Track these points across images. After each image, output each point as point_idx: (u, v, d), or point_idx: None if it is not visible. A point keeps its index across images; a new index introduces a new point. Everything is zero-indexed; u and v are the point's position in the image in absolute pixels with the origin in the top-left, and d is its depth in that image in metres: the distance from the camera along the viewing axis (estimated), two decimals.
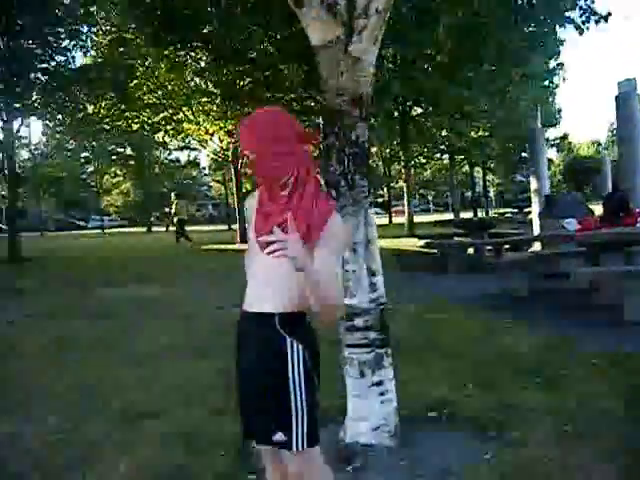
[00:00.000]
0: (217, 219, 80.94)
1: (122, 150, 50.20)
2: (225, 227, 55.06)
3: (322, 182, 2.88)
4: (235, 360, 2.86)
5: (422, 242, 16.98)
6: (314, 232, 2.56)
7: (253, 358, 2.71)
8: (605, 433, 4.32)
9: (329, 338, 7.02)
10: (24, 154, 34.87)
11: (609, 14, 7.71)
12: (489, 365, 6.10)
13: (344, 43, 4.17)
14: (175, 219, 28.31)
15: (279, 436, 2.67)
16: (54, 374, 6.74)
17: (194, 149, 53.03)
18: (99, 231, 58.97)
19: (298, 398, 2.64)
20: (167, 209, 34.38)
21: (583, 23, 7.78)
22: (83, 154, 44.54)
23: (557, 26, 14.87)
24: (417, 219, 31.82)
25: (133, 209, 70.12)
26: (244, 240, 28.51)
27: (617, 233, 9.51)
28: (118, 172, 63.06)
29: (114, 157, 51.15)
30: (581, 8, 7.71)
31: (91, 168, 59.43)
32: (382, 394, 4.34)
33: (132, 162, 55.50)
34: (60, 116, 25.29)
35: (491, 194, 66.80)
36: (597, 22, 7.66)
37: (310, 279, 2.43)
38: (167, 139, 35.86)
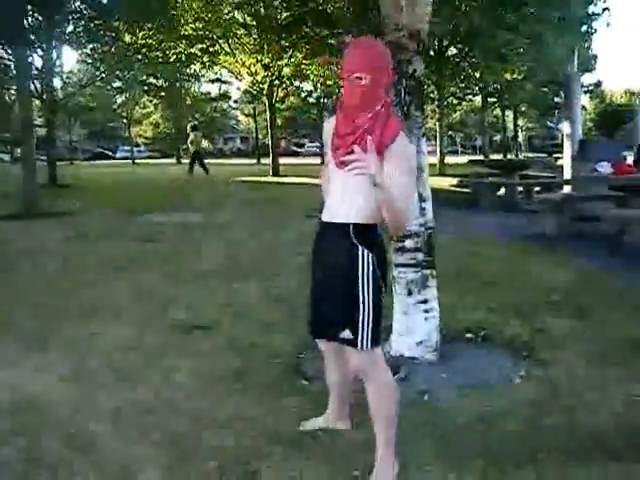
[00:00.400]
0: (244, 153, 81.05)
1: (154, 81, 50.11)
2: (254, 161, 55.15)
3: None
4: (312, 263, 3.21)
5: (455, 181, 17.21)
6: (383, 147, 2.86)
7: (329, 262, 3.05)
8: (630, 357, 4.65)
9: None
10: (58, 82, 34.98)
11: None
12: (522, 294, 6.43)
13: None
14: (191, 150, 28.57)
15: (347, 333, 3.01)
16: (111, 288, 7.18)
17: (225, 82, 53.01)
18: (128, 161, 59.31)
19: (366, 300, 2.97)
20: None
21: None
22: (115, 84, 44.40)
23: None
24: (447, 160, 31.90)
25: (162, 141, 70.30)
26: (276, 173, 28.80)
27: None
28: (148, 103, 63.24)
29: (146, 88, 51.08)
30: None
31: (121, 98, 59.49)
32: (426, 311, 4.68)
33: (163, 93, 55.43)
34: (98, 45, 25.38)
35: (520, 139, 66.21)
36: None
37: (385, 194, 2.75)
38: (202, 71, 35.92)
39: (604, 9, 23.93)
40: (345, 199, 2.97)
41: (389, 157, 2.86)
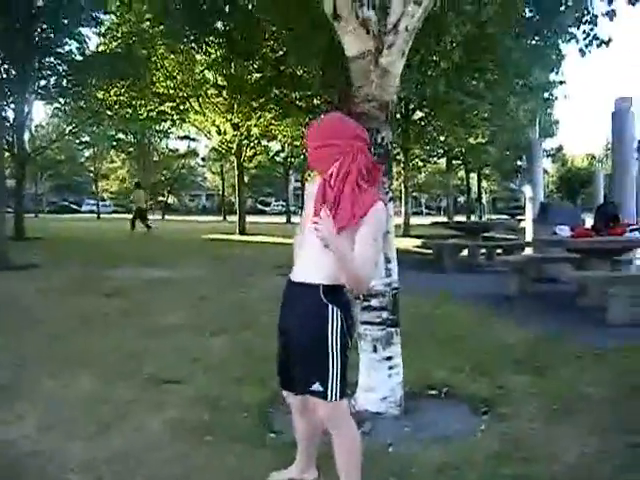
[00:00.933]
0: (210, 210, 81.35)
1: (123, 137, 50.43)
2: (220, 218, 55.37)
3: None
4: (280, 320, 3.42)
5: (418, 242, 17.54)
6: (357, 218, 3.11)
7: (298, 320, 3.27)
8: (585, 412, 4.88)
9: None
10: (27, 136, 35.07)
11: (610, 40, 8.27)
12: (482, 353, 6.65)
13: (375, 56, 4.72)
14: (134, 207, 29.07)
15: (317, 387, 3.21)
16: (80, 341, 7.27)
17: (194, 139, 53.45)
18: (93, 215, 59.23)
19: (335, 356, 3.19)
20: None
21: (586, 47, 8.34)
22: (84, 138, 44.65)
23: (560, 41, 15.38)
24: (411, 221, 32.38)
25: (128, 196, 70.45)
26: (243, 232, 29.04)
27: (606, 241, 10.11)
28: (116, 158, 63.48)
29: (115, 143, 51.35)
30: (584, 32, 8.27)
31: (89, 152, 59.66)
32: (391, 368, 4.89)
33: (132, 149, 55.76)
34: (70, 100, 25.63)
35: (484, 200, 67.28)
36: (599, 46, 8.22)
37: (338, 258, 3.06)
38: (171, 128, 36.33)
39: (560, 82, 24.69)
40: (315, 260, 3.19)
41: (361, 226, 3.11)
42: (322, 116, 3.58)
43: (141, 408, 5.05)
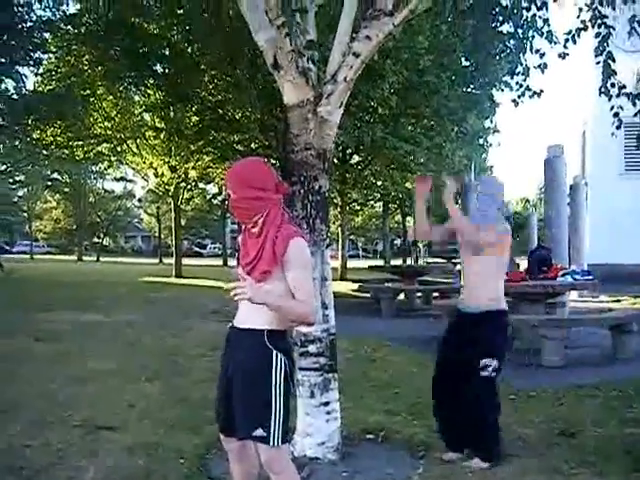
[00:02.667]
0: (145, 252, 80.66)
1: (59, 177, 49.85)
2: (156, 260, 54.89)
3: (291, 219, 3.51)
4: (221, 365, 3.44)
5: (356, 286, 17.64)
6: (279, 256, 3.17)
7: (241, 365, 3.29)
8: (520, 453, 4.97)
9: None
10: None
11: (542, 91, 8.59)
12: (418, 397, 6.69)
13: (314, 105, 4.81)
14: None
15: (259, 432, 3.22)
16: (9, 386, 7.13)
17: (130, 181, 53.14)
18: (26, 256, 58.15)
19: (278, 401, 3.22)
20: None
21: (519, 97, 8.61)
22: (17, 177, 43.99)
23: (494, 90, 15.77)
24: (348, 264, 32.54)
25: (63, 236, 69.47)
26: (179, 274, 28.83)
27: (539, 285, 10.32)
28: (50, 198, 62.61)
29: (49, 183, 50.72)
30: (517, 83, 8.56)
31: (22, 192, 58.79)
32: (328, 413, 4.91)
33: (67, 189, 55.12)
34: (5, 139, 25.28)
35: (420, 244, 68.07)
36: (531, 97, 8.51)
37: (275, 310, 3.13)
38: (108, 169, 36.08)
39: (494, 130, 25.32)
40: (256, 306, 3.22)
41: (287, 264, 3.18)
42: (241, 160, 3.61)
43: (74, 455, 4.97)
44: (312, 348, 4.87)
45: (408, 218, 55.41)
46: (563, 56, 7.98)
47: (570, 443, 5.22)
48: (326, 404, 4.90)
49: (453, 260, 30.28)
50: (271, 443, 3.20)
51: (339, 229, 32.31)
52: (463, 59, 15.85)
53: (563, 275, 10.99)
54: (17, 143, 25.31)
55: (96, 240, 68.61)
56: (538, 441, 5.30)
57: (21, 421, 5.78)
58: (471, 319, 4.90)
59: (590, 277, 11.69)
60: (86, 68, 21.57)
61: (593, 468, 4.60)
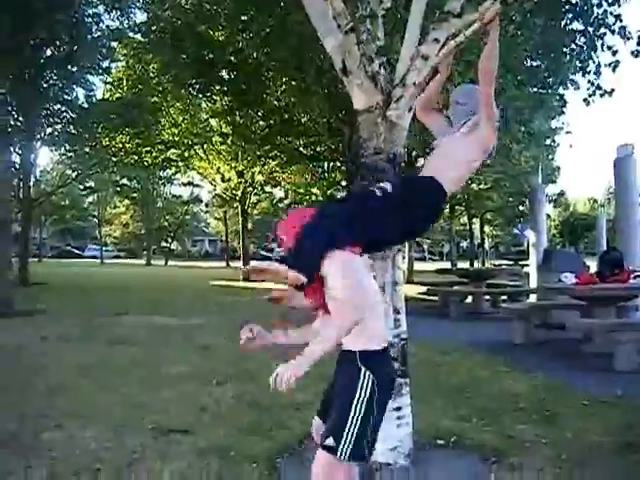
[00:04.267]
0: (212, 255, 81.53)
1: (127, 183, 50.73)
2: (223, 264, 55.43)
3: None
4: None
5: (423, 289, 17.57)
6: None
7: (339, 381, 3.36)
8: (594, 461, 4.88)
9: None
10: (33, 181, 35.39)
11: (613, 90, 8.46)
12: (490, 402, 6.65)
13: (383, 109, 4.81)
14: None
15: (330, 441, 3.23)
16: (87, 390, 7.28)
17: (197, 185, 53.74)
18: (96, 260, 59.33)
19: (356, 417, 3.21)
20: None
21: (589, 96, 8.49)
22: (88, 184, 44.92)
23: (563, 89, 15.52)
24: (414, 266, 32.41)
25: (132, 241, 70.68)
26: (247, 278, 28.96)
27: (611, 289, 10.14)
28: (119, 204, 63.75)
29: (118, 189, 51.64)
30: (589, 81, 8.45)
31: (92, 198, 60.05)
32: (399, 418, 4.89)
33: (135, 195, 56.05)
34: (76, 147, 25.87)
35: (486, 245, 67.36)
36: (602, 96, 8.39)
37: (312, 360, 3.14)
38: (176, 175, 36.60)
39: (566, 132, 24.87)
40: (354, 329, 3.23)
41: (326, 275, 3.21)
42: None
43: (149, 458, 5.05)
44: None
45: (474, 220, 54.97)
46: (636, 54, 7.82)
47: None
48: (398, 409, 4.88)
49: (520, 262, 29.97)
50: (338, 454, 3.19)
51: None
52: (529, 59, 15.67)
53: (635, 277, 10.77)
54: (87, 150, 25.86)
55: (164, 244, 69.60)
56: (612, 448, 5.19)
57: (98, 425, 5.89)
58: None
59: None
60: (154, 76, 21.93)
61: None
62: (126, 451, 5.20)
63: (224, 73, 20.16)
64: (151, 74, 22.04)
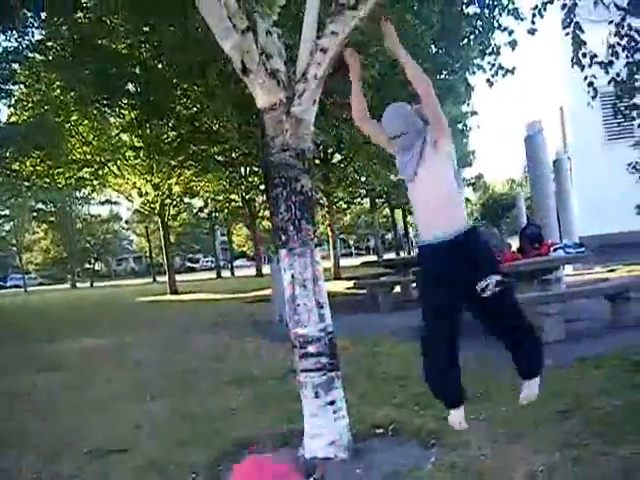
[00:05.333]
0: (139, 272, 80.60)
1: (43, 207, 49.72)
2: (150, 280, 54.79)
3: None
4: None
5: (350, 284, 17.64)
6: None
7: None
8: (530, 432, 4.95)
9: (277, 374, 7.59)
10: None
11: (514, 68, 8.65)
12: (424, 387, 6.65)
13: (287, 105, 4.79)
14: None
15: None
16: (18, 418, 7.10)
17: (115, 203, 52.97)
18: (20, 289, 57.99)
19: None
20: None
21: (492, 76, 8.68)
22: (2, 212, 43.93)
23: (467, 74, 15.80)
24: (341, 263, 32.57)
25: (55, 265, 69.30)
26: (174, 292, 28.71)
27: (534, 262, 10.33)
28: (37, 229, 62.46)
29: (35, 214, 50.59)
30: (489, 63, 8.63)
31: (8, 226, 58.69)
32: (335, 412, 4.88)
33: (52, 218, 54.98)
34: None
35: (411, 235, 68.12)
36: (504, 75, 8.58)
37: None
38: (92, 194, 36.01)
39: (472, 113, 25.38)
40: None
41: None
42: None
43: None
44: (311, 348, 4.84)
45: (397, 211, 55.57)
46: (532, 32, 8.00)
47: (579, 416, 5.20)
48: (332, 403, 4.87)
49: None
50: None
51: (328, 229, 32.33)
52: (433, 46, 15.91)
53: (555, 250, 11.00)
54: None
55: (88, 266, 68.43)
56: (547, 416, 5.28)
57: (31, 454, 5.73)
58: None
59: (582, 249, 11.71)
60: (58, 94, 21.51)
61: (604, 438, 4.58)
62: (62, 476, 5.08)
63: (130, 86, 19.92)
64: (55, 93, 21.59)
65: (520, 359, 4.54)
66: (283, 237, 4.85)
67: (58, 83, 20.63)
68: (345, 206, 45.52)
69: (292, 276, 4.83)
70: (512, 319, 4.33)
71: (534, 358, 4.56)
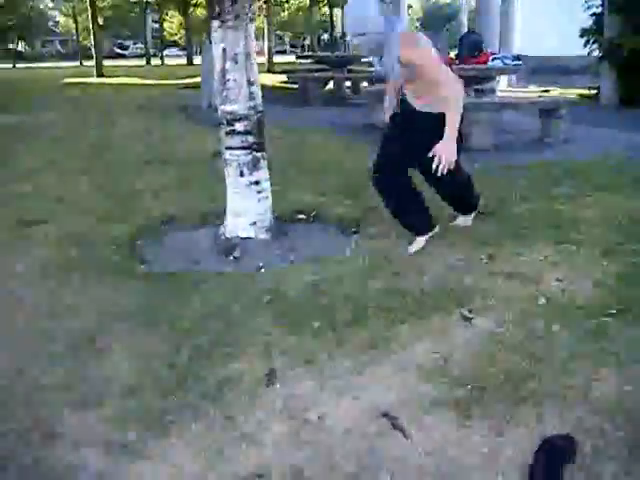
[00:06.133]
0: (66, 56, 77.44)
1: None
2: (77, 63, 52.83)
3: None
4: None
5: (283, 78, 17.28)
6: None
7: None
8: (451, 228, 5.00)
9: (203, 157, 7.45)
10: None
11: None
12: (351, 178, 6.64)
13: None
14: None
15: None
16: None
17: None
18: None
19: None
20: None
21: None
22: None
23: None
24: (275, 59, 31.77)
25: None
26: (101, 74, 27.68)
27: (470, 69, 10.20)
28: None
29: None
30: None
31: None
32: (259, 192, 4.82)
33: None
34: None
35: (348, 37, 66.76)
36: None
37: None
38: None
39: None
40: None
41: None
42: None
43: (7, 250, 4.87)
44: (239, 126, 4.69)
45: (335, 10, 53.99)
46: None
47: (499, 217, 5.24)
48: (256, 183, 4.80)
49: None
50: None
51: (264, 22, 31.33)
52: None
53: (494, 60, 10.89)
54: None
55: (10, 46, 65.17)
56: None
57: None
58: None
59: (519, 62, 11.63)
60: None
61: (522, 240, 4.65)
62: None
63: None
64: None
65: (457, 207, 5.10)
66: (217, 8, 4.55)
67: None
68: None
69: (223, 50, 4.57)
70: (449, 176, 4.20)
71: (470, 204, 5.04)
